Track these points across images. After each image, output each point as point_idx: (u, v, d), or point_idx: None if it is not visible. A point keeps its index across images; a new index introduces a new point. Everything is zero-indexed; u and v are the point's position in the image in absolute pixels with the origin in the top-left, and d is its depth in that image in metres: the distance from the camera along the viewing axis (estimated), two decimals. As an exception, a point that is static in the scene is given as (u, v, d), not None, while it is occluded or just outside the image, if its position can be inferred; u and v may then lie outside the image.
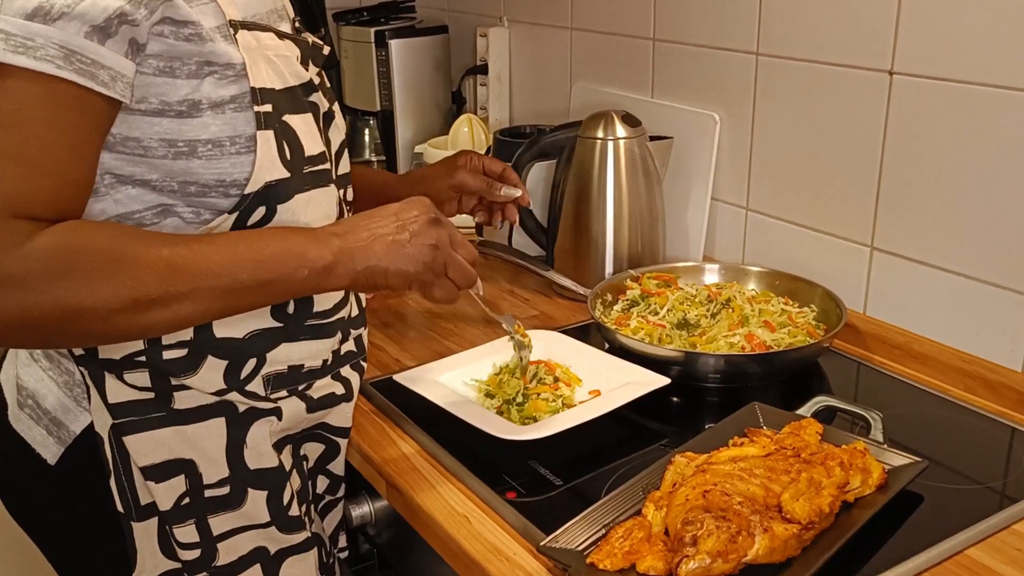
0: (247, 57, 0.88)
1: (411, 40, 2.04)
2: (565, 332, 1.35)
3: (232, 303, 0.86)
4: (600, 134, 1.47)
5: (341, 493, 1.14)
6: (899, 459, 0.99)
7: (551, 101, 1.93)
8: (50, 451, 0.95)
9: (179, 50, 0.84)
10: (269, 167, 0.89)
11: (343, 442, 1.08)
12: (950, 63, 1.19)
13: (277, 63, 0.92)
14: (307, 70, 0.97)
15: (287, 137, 0.91)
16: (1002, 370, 1.19)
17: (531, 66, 1.97)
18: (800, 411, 1.11)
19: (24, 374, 0.96)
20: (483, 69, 2.04)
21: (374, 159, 2.15)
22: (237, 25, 0.88)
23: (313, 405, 1.02)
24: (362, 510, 1.16)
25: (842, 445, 0.99)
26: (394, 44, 2.02)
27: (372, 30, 2.02)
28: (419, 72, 2.07)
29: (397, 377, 1.20)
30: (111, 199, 0.87)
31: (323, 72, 1.04)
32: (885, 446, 1.02)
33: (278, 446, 1.00)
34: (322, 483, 1.11)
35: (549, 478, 1.04)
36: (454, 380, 1.23)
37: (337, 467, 1.10)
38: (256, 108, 0.88)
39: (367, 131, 2.15)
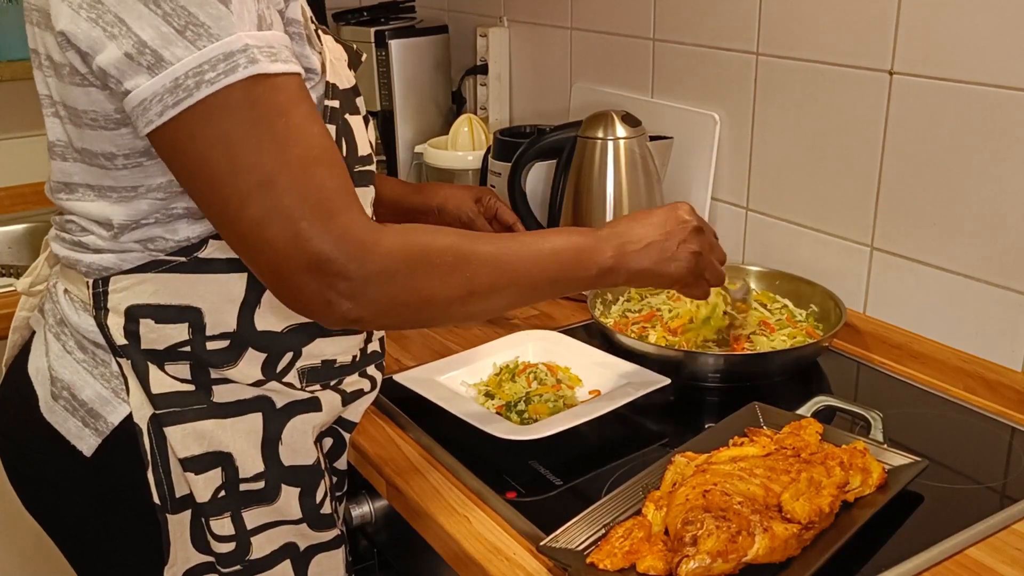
0: (326, 55, 0.92)
1: (411, 40, 2.04)
2: (565, 332, 1.35)
3: (534, 296, 0.97)
4: (600, 134, 1.47)
5: (345, 489, 1.14)
6: (899, 459, 0.99)
7: (551, 101, 1.93)
8: (86, 443, 0.95)
9: None
10: None
11: (348, 436, 1.09)
12: (950, 63, 1.19)
13: (336, 65, 0.95)
14: (352, 74, 1.00)
15: (346, 135, 0.95)
16: (1002, 370, 1.20)
17: (531, 66, 1.97)
18: (800, 411, 1.11)
19: (58, 366, 0.97)
20: (483, 69, 2.03)
21: (374, 158, 2.15)
22: (315, 25, 0.92)
23: (347, 399, 1.05)
24: (362, 510, 1.16)
25: (842, 445, 0.99)
26: (394, 44, 2.02)
27: (372, 30, 2.02)
28: (419, 72, 2.07)
29: (397, 377, 1.21)
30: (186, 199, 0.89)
31: None
32: (885, 446, 1.02)
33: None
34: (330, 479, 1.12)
35: (549, 478, 1.04)
36: (454, 380, 1.23)
37: (341, 463, 1.11)
38: (327, 102, 0.92)
39: (366, 131, 2.15)
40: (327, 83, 0.92)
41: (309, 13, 0.96)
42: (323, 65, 0.92)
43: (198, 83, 0.77)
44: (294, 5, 0.88)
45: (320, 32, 0.95)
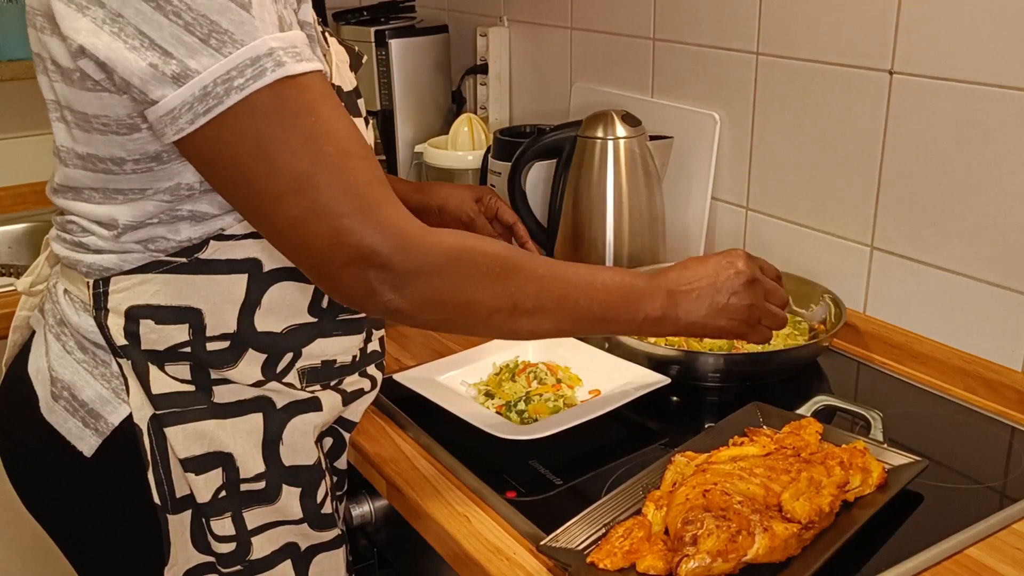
0: (332, 57, 0.92)
1: (411, 40, 2.04)
2: (565, 332, 1.35)
3: (577, 327, 0.95)
4: (600, 134, 1.47)
5: (345, 489, 1.14)
6: (899, 459, 0.99)
7: (551, 101, 1.93)
8: (87, 443, 0.95)
9: None
10: None
11: (347, 436, 1.10)
12: (950, 63, 1.19)
13: (339, 67, 0.96)
14: (353, 76, 1.01)
15: None
16: (1002, 370, 1.20)
17: (531, 66, 1.97)
18: (800, 411, 1.11)
19: (58, 366, 0.97)
20: (483, 69, 2.04)
21: (374, 160, 2.15)
22: (321, 27, 0.92)
23: (347, 398, 1.05)
24: (362, 510, 1.17)
25: (842, 445, 0.99)
26: (394, 44, 2.02)
27: (372, 30, 2.02)
28: (419, 72, 2.07)
29: (397, 377, 1.21)
30: (205, 201, 0.89)
31: None
32: (885, 446, 1.02)
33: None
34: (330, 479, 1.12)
35: (549, 478, 1.04)
36: (454, 380, 1.23)
37: (341, 463, 1.11)
38: None
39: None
40: (332, 85, 0.92)
41: (315, 16, 0.96)
42: (329, 68, 0.92)
43: (227, 90, 0.77)
44: (305, 7, 0.88)
45: (326, 34, 0.95)
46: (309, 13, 0.89)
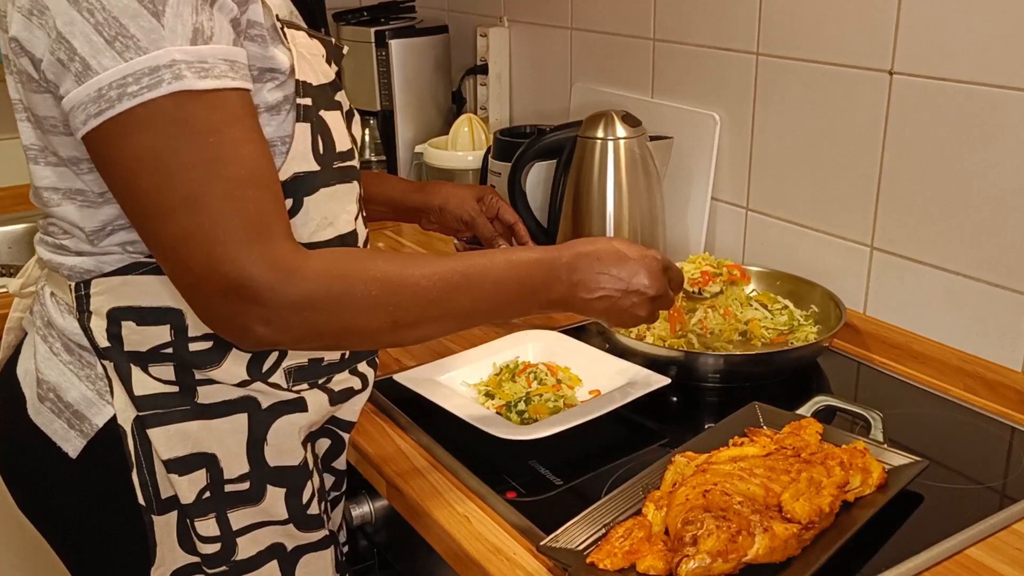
0: (294, 53, 0.91)
1: (411, 40, 2.04)
2: (565, 332, 1.35)
3: (465, 325, 0.96)
4: (600, 134, 1.47)
5: (343, 489, 1.14)
6: (899, 459, 0.99)
7: (551, 101, 1.93)
8: (72, 444, 0.95)
9: (247, 50, 0.86)
10: (300, 159, 0.91)
11: (347, 436, 1.09)
12: (950, 63, 1.19)
13: (311, 61, 0.94)
14: (331, 69, 0.99)
15: (322, 132, 0.94)
16: (1002, 370, 1.19)
17: (531, 66, 1.97)
18: (800, 411, 1.11)
19: (45, 368, 0.96)
20: (483, 69, 2.04)
21: (374, 159, 2.15)
22: (284, 23, 0.91)
23: (335, 398, 1.04)
24: (362, 510, 1.16)
25: (842, 445, 0.99)
26: (394, 44, 2.02)
27: (372, 30, 2.02)
28: (419, 72, 2.07)
29: (397, 377, 1.21)
30: None
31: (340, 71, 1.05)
32: (885, 446, 1.02)
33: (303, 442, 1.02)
34: (327, 480, 1.11)
35: (549, 478, 1.04)
36: (454, 380, 1.23)
37: (340, 463, 1.10)
38: (298, 100, 0.90)
39: (367, 131, 2.16)
40: (297, 81, 0.91)
41: (289, 10, 0.94)
42: (292, 63, 0.90)
43: (120, 95, 0.77)
44: (254, 7, 0.86)
45: (286, 30, 0.92)
46: (259, 12, 0.87)
